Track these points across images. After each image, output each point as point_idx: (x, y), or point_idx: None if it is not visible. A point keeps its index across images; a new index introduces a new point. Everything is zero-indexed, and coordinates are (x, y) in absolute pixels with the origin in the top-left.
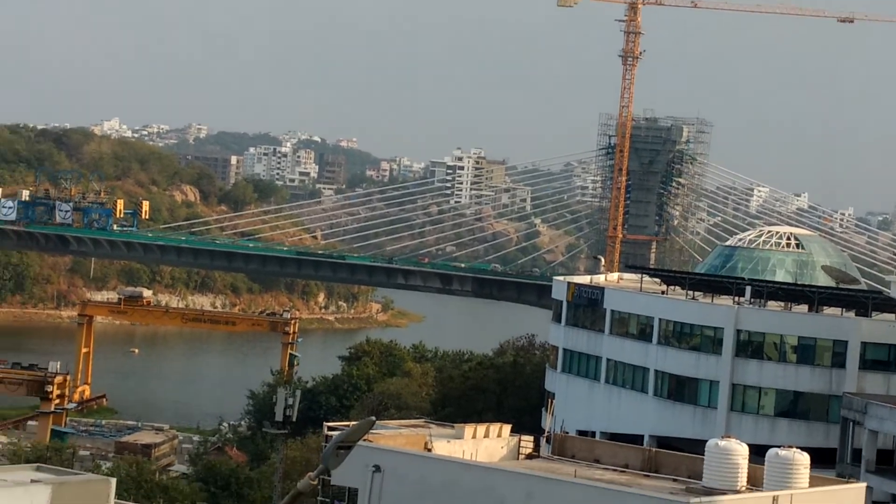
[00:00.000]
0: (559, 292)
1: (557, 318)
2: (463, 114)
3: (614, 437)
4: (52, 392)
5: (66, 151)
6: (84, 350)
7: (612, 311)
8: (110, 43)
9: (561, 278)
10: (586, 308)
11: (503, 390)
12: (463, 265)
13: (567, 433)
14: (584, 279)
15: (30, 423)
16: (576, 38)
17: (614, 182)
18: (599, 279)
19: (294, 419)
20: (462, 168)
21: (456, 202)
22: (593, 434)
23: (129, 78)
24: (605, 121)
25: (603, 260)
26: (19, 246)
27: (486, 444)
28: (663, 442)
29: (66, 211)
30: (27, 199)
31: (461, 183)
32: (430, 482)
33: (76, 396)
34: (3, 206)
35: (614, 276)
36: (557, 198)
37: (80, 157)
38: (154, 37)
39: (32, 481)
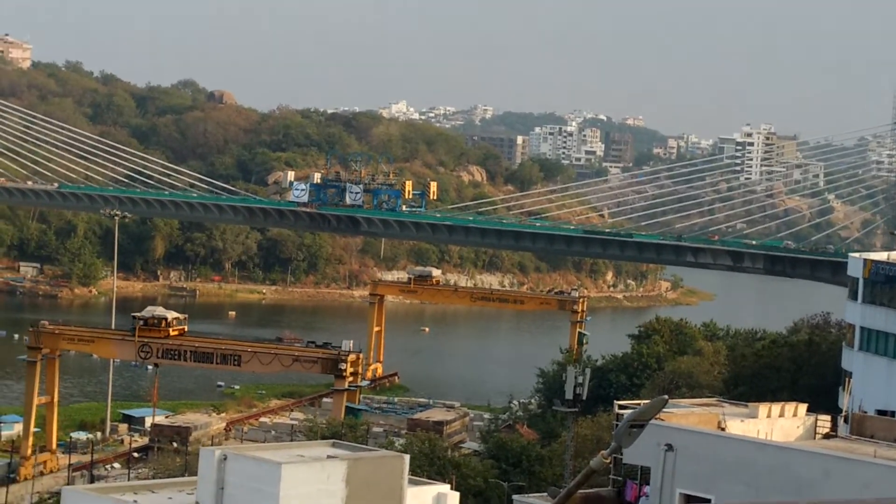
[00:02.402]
0: (855, 269)
1: (853, 296)
2: (751, 90)
3: None
4: (345, 370)
5: (355, 135)
6: (376, 329)
7: None
8: (394, 27)
9: (857, 255)
10: (884, 285)
11: (798, 369)
12: (754, 242)
13: (866, 413)
14: (881, 255)
15: (325, 400)
16: (866, 9)
17: None
18: None
19: (584, 397)
20: (752, 144)
21: (746, 179)
22: (892, 414)
23: (416, 61)
24: None
25: None
26: (311, 227)
27: (780, 424)
28: None
29: (357, 193)
30: (318, 181)
31: (751, 159)
32: (723, 461)
33: (369, 374)
34: (296, 189)
35: None
36: (851, 173)
37: (368, 139)
38: (438, 20)
39: (329, 457)
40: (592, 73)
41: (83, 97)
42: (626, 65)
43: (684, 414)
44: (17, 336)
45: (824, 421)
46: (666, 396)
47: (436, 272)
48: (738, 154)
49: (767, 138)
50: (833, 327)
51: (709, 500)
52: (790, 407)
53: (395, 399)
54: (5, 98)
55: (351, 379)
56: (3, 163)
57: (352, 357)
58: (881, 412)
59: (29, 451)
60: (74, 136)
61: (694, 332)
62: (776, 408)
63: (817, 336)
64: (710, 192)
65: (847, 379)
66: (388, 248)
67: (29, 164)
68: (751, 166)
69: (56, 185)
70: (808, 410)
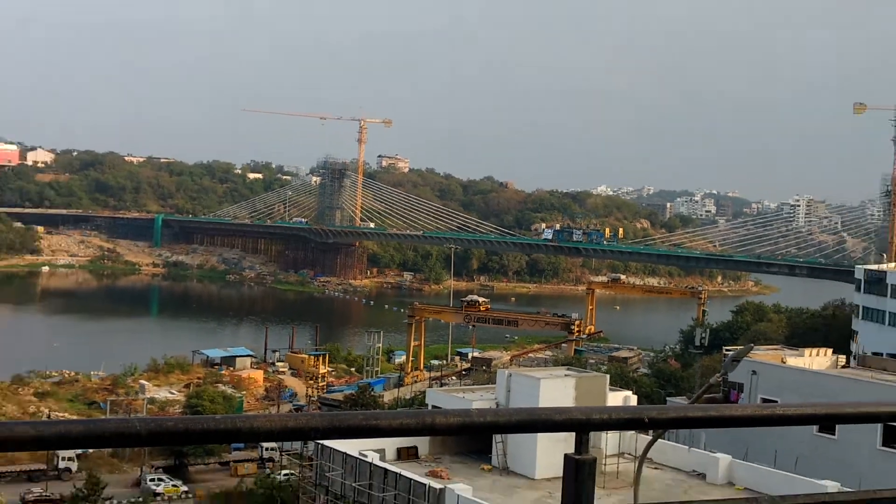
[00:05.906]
0: (860, 274)
1: (858, 289)
2: (799, 170)
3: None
4: (573, 328)
5: (577, 203)
6: (589, 307)
7: (892, 285)
8: (615, 132)
9: (861, 266)
10: (875, 283)
11: (827, 329)
12: (801, 260)
13: (866, 354)
14: (872, 267)
15: (562, 345)
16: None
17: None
18: (884, 267)
19: (706, 344)
20: (799, 205)
21: (796, 224)
22: (882, 354)
23: (615, 156)
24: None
25: (885, 256)
26: (555, 253)
27: (817, 360)
28: None
29: (578, 234)
30: (558, 228)
31: (798, 213)
32: (785, 381)
33: (587, 331)
34: (546, 233)
35: (893, 264)
36: (856, 221)
37: (585, 206)
38: (623, 129)
39: (566, 375)
40: (711, 164)
41: (434, 186)
42: (731, 158)
43: (763, 354)
44: (402, 310)
45: (842, 358)
46: (752, 344)
47: (623, 277)
48: (792, 211)
49: (808, 203)
50: (847, 306)
51: (776, 401)
52: (823, 351)
53: (601, 345)
54: (395, 187)
55: (577, 333)
56: (395, 221)
57: (577, 322)
58: (875, 354)
59: (409, 369)
60: (430, 207)
61: (768, 309)
62: (815, 350)
63: (838, 311)
64: (775, 233)
65: (855, 335)
66: (596, 264)
67: (408, 221)
68: (799, 217)
69: (421, 232)
70: (833, 352)
